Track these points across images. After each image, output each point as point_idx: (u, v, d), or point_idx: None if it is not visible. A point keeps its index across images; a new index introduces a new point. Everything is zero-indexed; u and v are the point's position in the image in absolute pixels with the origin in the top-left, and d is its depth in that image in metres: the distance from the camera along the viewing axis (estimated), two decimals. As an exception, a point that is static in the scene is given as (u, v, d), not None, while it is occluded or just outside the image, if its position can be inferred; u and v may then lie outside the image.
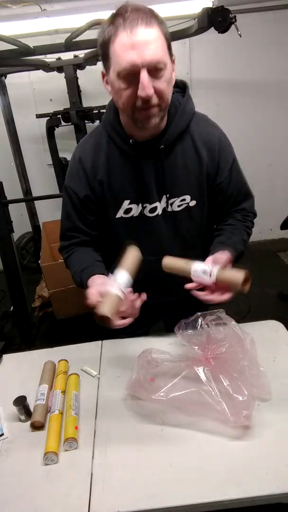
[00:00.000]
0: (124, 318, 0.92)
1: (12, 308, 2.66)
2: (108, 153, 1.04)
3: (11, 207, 2.36)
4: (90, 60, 2.40)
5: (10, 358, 1.25)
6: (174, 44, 0.91)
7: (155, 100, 0.87)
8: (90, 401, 1.02)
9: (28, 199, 3.18)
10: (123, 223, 1.09)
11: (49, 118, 2.70)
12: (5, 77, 2.87)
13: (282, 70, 3.11)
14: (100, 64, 0.95)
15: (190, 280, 0.97)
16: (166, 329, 1.41)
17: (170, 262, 1.00)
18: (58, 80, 2.63)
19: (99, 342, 1.25)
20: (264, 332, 1.19)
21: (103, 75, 0.94)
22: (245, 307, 2.59)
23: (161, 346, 1.09)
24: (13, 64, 2.60)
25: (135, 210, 1.07)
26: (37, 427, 0.95)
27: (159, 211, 1.07)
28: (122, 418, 0.96)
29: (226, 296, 0.96)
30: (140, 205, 1.06)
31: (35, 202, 3.30)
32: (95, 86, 2.88)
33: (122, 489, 0.79)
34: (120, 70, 0.84)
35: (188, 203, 1.07)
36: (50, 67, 2.49)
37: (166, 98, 0.90)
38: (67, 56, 2.47)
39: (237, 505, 0.76)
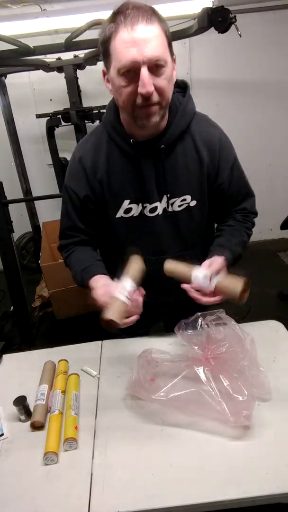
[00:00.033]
0: (128, 317, 0.93)
1: (12, 308, 2.66)
2: (108, 153, 1.04)
3: (11, 207, 2.36)
4: (90, 60, 2.40)
5: (10, 358, 1.25)
6: (174, 44, 0.91)
7: (155, 97, 0.87)
8: (90, 401, 1.02)
9: (28, 199, 3.18)
10: (123, 223, 1.09)
11: (49, 118, 2.70)
12: (5, 77, 2.87)
13: (282, 70, 3.11)
14: (100, 64, 0.95)
15: (189, 282, 0.98)
16: (166, 329, 1.41)
17: (172, 266, 1.01)
18: (58, 80, 2.64)
19: (99, 342, 1.25)
20: (264, 332, 1.19)
21: (104, 74, 0.94)
22: (245, 307, 2.59)
23: (161, 346, 1.09)
24: (13, 64, 2.60)
25: (135, 210, 1.07)
26: (37, 427, 0.95)
27: (159, 211, 1.07)
28: (122, 418, 0.96)
29: (216, 299, 0.97)
30: (140, 205, 1.06)
31: (35, 202, 3.30)
32: (95, 86, 2.88)
33: (122, 489, 0.79)
34: (120, 67, 0.84)
35: (188, 203, 1.07)
36: (50, 67, 2.49)
37: (167, 96, 0.90)
38: (67, 56, 2.47)
39: (237, 505, 0.76)
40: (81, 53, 2.45)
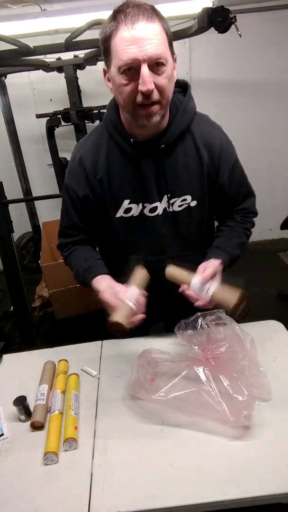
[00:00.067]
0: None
1: (12, 308, 2.66)
2: (109, 152, 1.04)
3: (11, 207, 2.36)
4: (90, 60, 2.39)
5: (10, 358, 1.25)
6: (174, 44, 0.91)
7: (155, 96, 0.87)
8: (90, 401, 1.02)
9: (28, 199, 3.18)
10: (123, 222, 1.09)
11: (49, 118, 2.70)
12: (5, 77, 2.87)
13: (282, 70, 3.10)
14: (100, 64, 0.95)
15: None
16: (166, 329, 1.41)
17: (173, 272, 1.02)
18: (58, 80, 2.63)
19: (99, 342, 1.25)
20: (264, 332, 1.19)
21: (105, 72, 0.94)
22: (245, 307, 2.59)
23: (161, 346, 1.09)
24: (13, 64, 2.60)
25: (135, 209, 1.07)
26: (37, 427, 0.95)
27: (159, 211, 1.07)
28: (122, 418, 0.96)
29: (209, 305, 0.99)
30: (140, 204, 1.06)
31: (35, 202, 3.30)
32: (95, 86, 2.88)
33: (122, 489, 0.79)
34: (121, 65, 0.84)
35: (189, 203, 1.07)
36: (50, 67, 2.49)
37: (167, 95, 0.90)
38: (67, 56, 2.47)
39: (237, 505, 0.76)
40: (81, 53, 2.44)
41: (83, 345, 1.25)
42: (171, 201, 1.06)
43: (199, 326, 1.04)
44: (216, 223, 1.25)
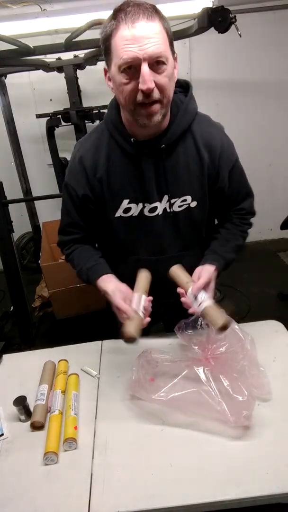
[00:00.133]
0: None
1: (12, 308, 2.66)
2: (109, 152, 1.04)
3: (11, 207, 2.36)
4: (90, 60, 2.39)
5: (10, 358, 1.25)
6: (174, 44, 0.91)
7: (156, 94, 0.87)
8: (90, 401, 1.02)
9: (28, 199, 3.18)
10: (122, 222, 1.09)
11: (49, 118, 2.69)
12: (5, 77, 2.87)
13: (282, 70, 3.10)
14: (100, 64, 0.95)
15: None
16: (166, 329, 1.41)
17: (176, 272, 1.03)
18: (58, 80, 2.63)
19: (99, 342, 1.25)
20: (264, 332, 1.19)
21: (105, 72, 0.94)
22: (245, 307, 2.59)
23: (161, 346, 1.09)
24: (13, 64, 2.60)
25: (135, 209, 1.07)
26: (37, 427, 0.95)
27: (159, 211, 1.07)
28: (122, 418, 0.96)
29: (197, 314, 1.00)
30: (139, 204, 1.06)
31: (35, 202, 3.30)
32: (95, 86, 2.88)
33: (122, 489, 0.79)
34: (121, 64, 0.84)
35: (189, 203, 1.07)
36: (50, 67, 2.49)
37: (168, 94, 0.90)
38: (67, 56, 2.47)
39: (237, 505, 0.76)
40: (81, 53, 2.44)
41: (83, 345, 1.25)
42: (171, 201, 1.06)
43: (199, 326, 1.04)
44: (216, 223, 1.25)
